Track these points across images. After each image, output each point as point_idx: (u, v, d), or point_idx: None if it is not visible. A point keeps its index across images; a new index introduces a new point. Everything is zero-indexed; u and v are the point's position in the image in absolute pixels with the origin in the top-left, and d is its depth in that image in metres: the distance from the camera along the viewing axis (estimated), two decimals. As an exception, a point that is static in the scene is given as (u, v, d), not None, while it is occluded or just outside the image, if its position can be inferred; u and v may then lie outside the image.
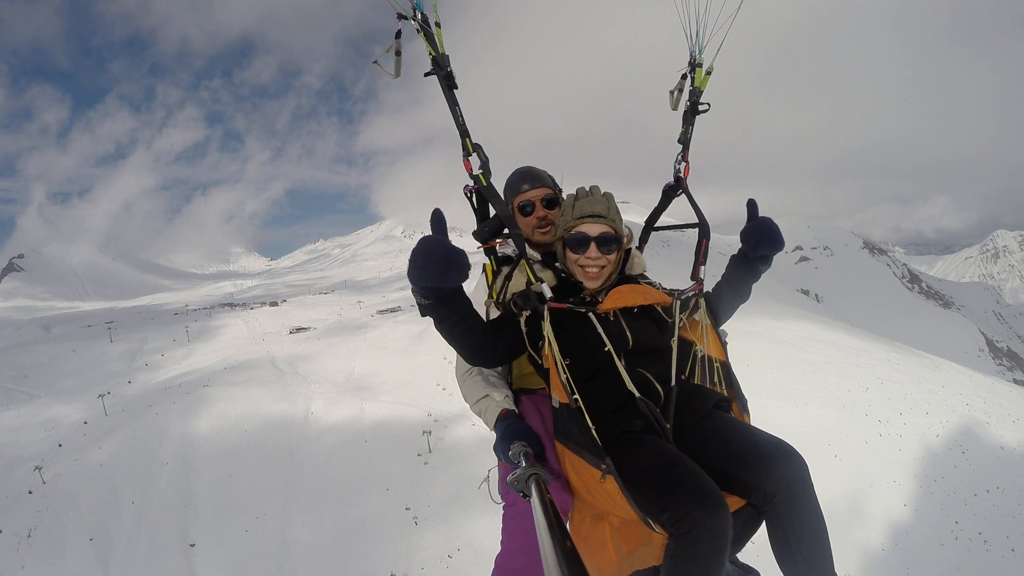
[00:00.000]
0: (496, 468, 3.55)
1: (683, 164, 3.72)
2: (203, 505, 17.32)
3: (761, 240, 3.34)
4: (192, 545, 15.86)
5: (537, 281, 3.06)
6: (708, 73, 3.74)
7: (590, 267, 3.15)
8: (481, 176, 3.21)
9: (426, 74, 3.06)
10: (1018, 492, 22.47)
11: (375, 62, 3.12)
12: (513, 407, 3.23)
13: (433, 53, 3.02)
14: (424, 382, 25.70)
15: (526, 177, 3.79)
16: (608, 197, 3.33)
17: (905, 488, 21.95)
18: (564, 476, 2.83)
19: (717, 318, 3.41)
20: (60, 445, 21.03)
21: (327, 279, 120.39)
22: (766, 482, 2.44)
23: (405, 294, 51.80)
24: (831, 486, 21.04)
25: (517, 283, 3.27)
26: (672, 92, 3.78)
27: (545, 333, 2.88)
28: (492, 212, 3.43)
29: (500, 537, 3.28)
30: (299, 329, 35.32)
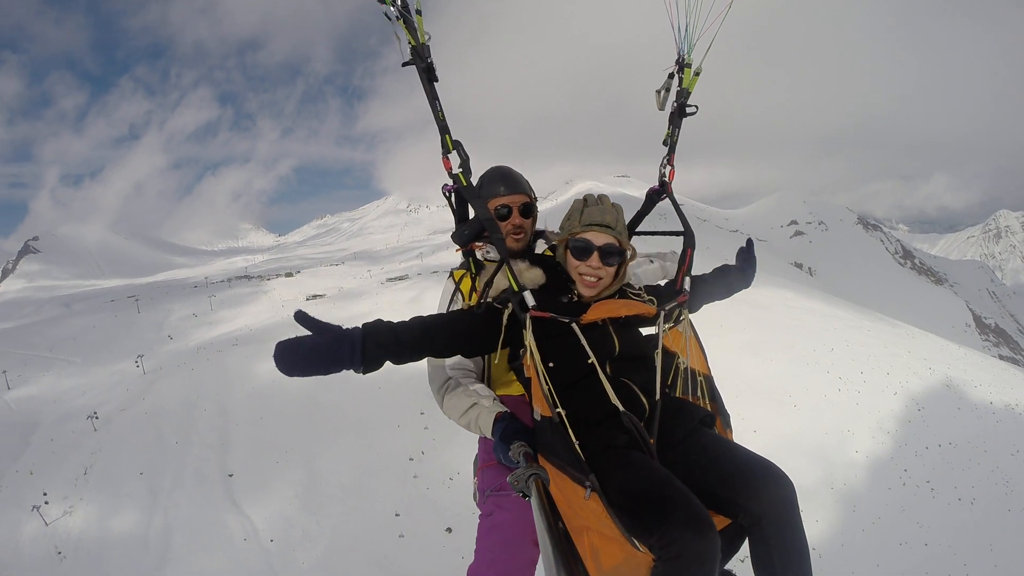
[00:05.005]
0: (475, 477, 3.76)
1: (668, 168, 3.75)
2: (238, 443, 18.91)
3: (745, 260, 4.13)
4: (230, 475, 17.39)
5: (519, 288, 2.99)
6: (697, 74, 3.63)
7: (589, 276, 3.17)
8: (461, 175, 3.18)
9: (404, 64, 2.97)
10: (970, 448, 23.23)
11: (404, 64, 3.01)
12: (505, 408, 3.22)
13: (413, 43, 2.92)
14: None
15: (504, 179, 3.75)
16: (618, 209, 3.31)
17: (857, 437, 22.81)
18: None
19: (692, 305, 3.51)
20: (105, 401, 22.26)
21: (339, 252, 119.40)
22: (755, 504, 2.49)
23: (411, 264, 51.98)
24: (786, 430, 22.38)
25: (498, 288, 3.17)
26: (659, 91, 3.72)
27: (527, 343, 2.87)
28: (472, 214, 3.33)
29: (474, 547, 3.45)
30: (315, 296, 36.30)
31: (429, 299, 28.53)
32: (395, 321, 2.86)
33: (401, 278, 40.32)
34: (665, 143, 3.75)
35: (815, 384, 25.73)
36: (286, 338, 2.58)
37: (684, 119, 3.72)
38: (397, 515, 15.98)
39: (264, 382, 22.68)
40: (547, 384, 2.73)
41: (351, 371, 2.67)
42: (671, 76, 3.67)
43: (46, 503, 17.08)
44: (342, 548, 15.23)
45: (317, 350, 2.51)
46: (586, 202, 3.24)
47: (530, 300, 2.95)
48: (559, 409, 2.67)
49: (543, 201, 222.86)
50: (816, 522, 19.37)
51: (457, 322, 3.01)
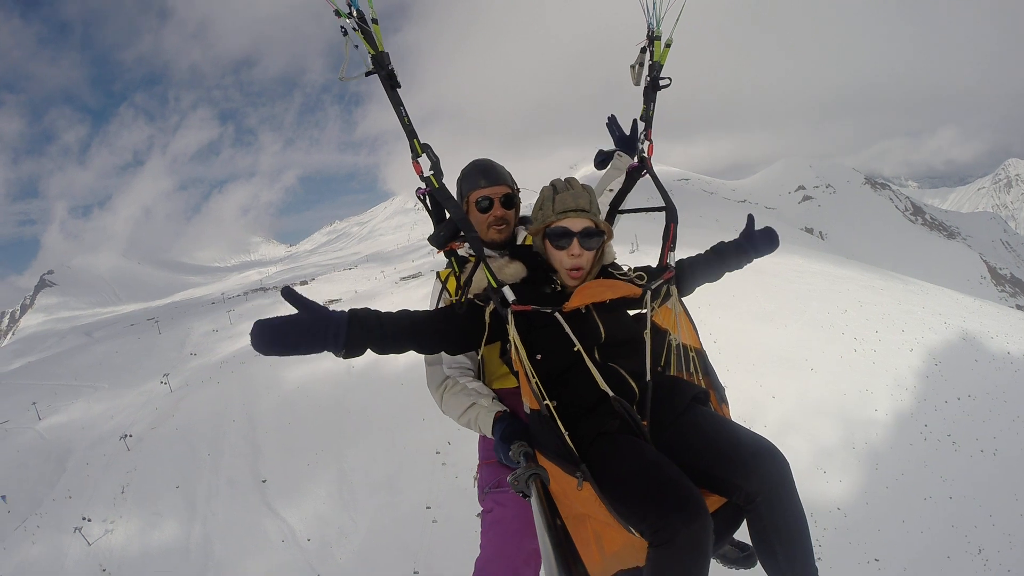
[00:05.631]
0: (477, 475, 3.69)
1: (647, 143, 3.65)
2: (269, 450, 19.33)
3: (771, 243, 3.65)
4: (264, 481, 17.88)
5: (498, 285, 2.93)
6: (668, 46, 3.54)
7: (572, 264, 3.08)
8: (432, 178, 3.09)
9: (367, 74, 2.95)
10: (989, 400, 23.00)
11: (341, 78, 2.99)
12: (505, 408, 3.16)
13: (372, 52, 2.89)
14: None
15: (484, 172, 3.69)
16: (588, 190, 3.24)
17: (876, 396, 22.65)
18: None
19: (682, 289, 3.39)
20: (135, 421, 22.82)
21: (351, 256, 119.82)
22: (748, 483, 2.44)
23: (424, 261, 52.20)
24: (806, 395, 22.41)
25: (477, 286, 3.09)
26: (633, 66, 3.64)
27: (511, 338, 2.80)
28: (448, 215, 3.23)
29: (480, 541, 3.41)
30: (331, 301, 36.27)
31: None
32: (383, 311, 2.76)
33: (415, 276, 40.41)
34: (642, 118, 3.67)
35: (831, 346, 25.60)
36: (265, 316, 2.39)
37: (658, 92, 3.66)
38: (428, 508, 16.39)
39: (290, 389, 23.07)
40: (533, 377, 2.68)
41: (332, 354, 2.51)
42: (643, 51, 3.58)
43: (88, 522, 17.66)
44: (377, 541, 15.70)
45: (300, 326, 2.36)
46: (555, 188, 3.22)
47: (510, 295, 2.89)
48: (546, 401, 2.62)
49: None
50: (840, 482, 19.59)
51: (440, 320, 2.93)
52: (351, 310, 2.57)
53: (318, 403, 21.57)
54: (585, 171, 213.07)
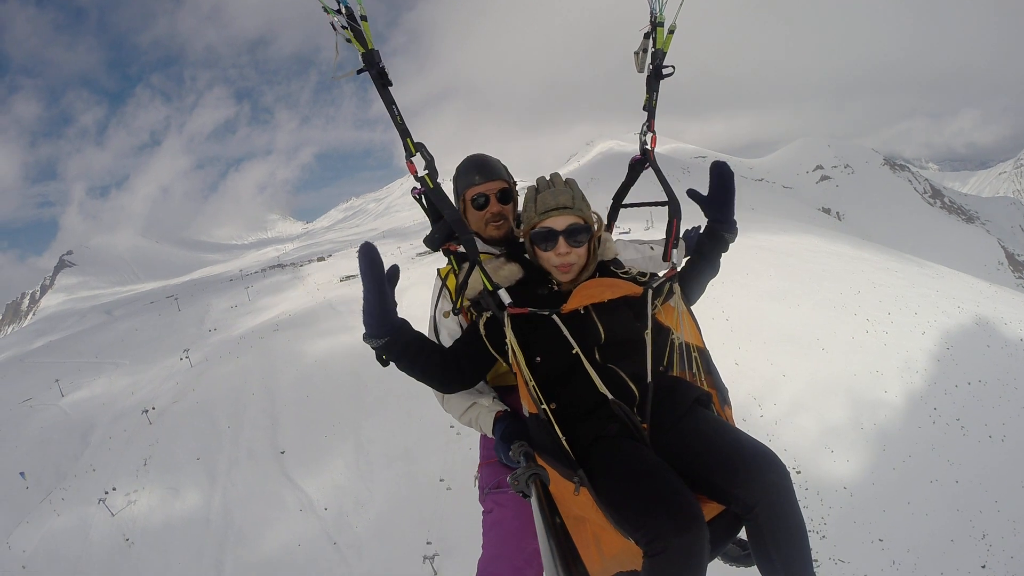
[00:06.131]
0: (478, 475, 3.66)
1: (649, 134, 3.53)
2: (287, 422, 19.76)
3: (724, 204, 3.32)
4: (282, 452, 18.28)
5: (493, 287, 2.94)
6: (671, 32, 3.40)
7: (560, 262, 3.06)
8: (427, 178, 3.06)
9: (358, 71, 2.89)
10: (1000, 386, 22.91)
11: (333, 77, 2.92)
12: (506, 407, 3.15)
13: (362, 50, 2.84)
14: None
15: (479, 168, 3.66)
16: (571, 185, 3.20)
17: (886, 377, 22.66)
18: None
19: (689, 298, 3.30)
20: (157, 395, 23.25)
21: (368, 232, 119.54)
22: (748, 493, 2.41)
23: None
24: (816, 374, 22.52)
25: (473, 288, 3.09)
26: (636, 53, 3.49)
27: (508, 341, 2.79)
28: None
29: (481, 541, 3.41)
30: (348, 277, 36.97)
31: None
32: (428, 342, 2.90)
33: (430, 252, 40.93)
34: (644, 108, 3.49)
35: (843, 327, 25.60)
36: (374, 253, 2.53)
37: (667, 80, 3.48)
38: (441, 480, 16.78)
39: (308, 363, 23.49)
40: (531, 381, 2.68)
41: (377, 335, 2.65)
42: (646, 36, 3.42)
43: (113, 490, 18.17)
44: (392, 511, 16.13)
45: (365, 305, 2.56)
46: (537, 188, 3.19)
47: (506, 298, 2.91)
48: (544, 406, 2.62)
49: (566, 164, 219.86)
50: (847, 462, 19.73)
51: (462, 358, 2.97)
52: (399, 332, 2.68)
53: (336, 377, 21.96)
54: (602, 147, 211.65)
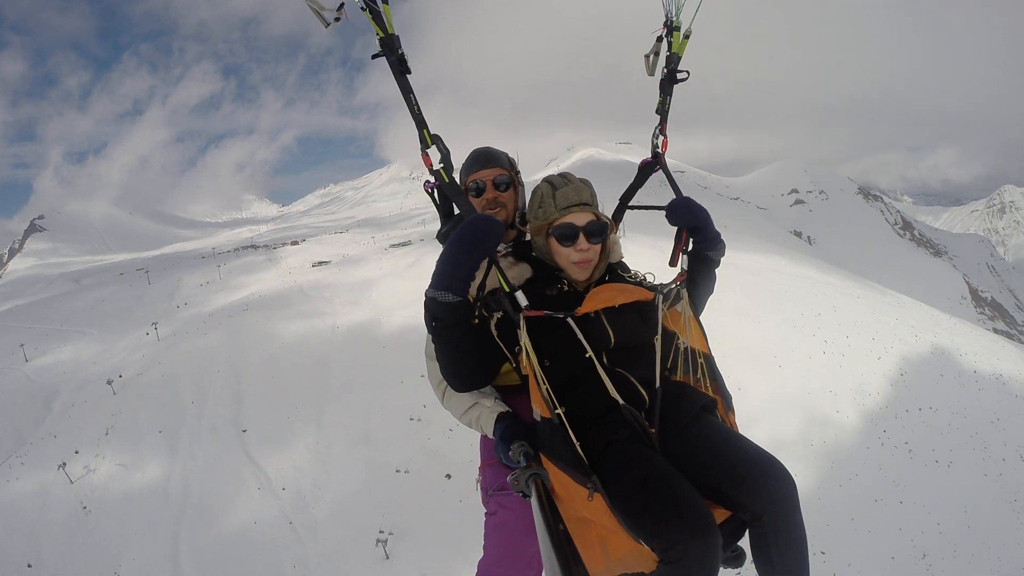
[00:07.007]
0: (480, 476, 3.70)
1: (661, 138, 3.53)
2: (251, 401, 19.78)
3: (695, 230, 3.26)
4: (244, 431, 18.26)
5: (509, 288, 2.85)
6: (686, 37, 3.40)
7: (579, 259, 3.05)
8: (443, 171, 2.97)
9: (374, 56, 2.76)
10: (950, 414, 23.57)
11: (336, 19, 2.72)
12: (507, 408, 3.13)
13: (381, 34, 2.71)
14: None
15: (480, 158, 3.66)
16: (587, 184, 3.20)
17: (840, 397, 23.22)
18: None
19: (695, 311, 3.33)
20: (123, 367, 23.00)
21: (343, 220, 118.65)
22: (755, 501, 2.46)
23: (415, 230, 51.57)
24: (771, 389, 22.94)
25: (488, 288, 2.98)
26: (647, 56, 3.49)
27: (523, 343, 2.73)
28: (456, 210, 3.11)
29: (483, 543, 3.48)
30: (320, 263, 36.59)
31: (428, 263, 29.57)
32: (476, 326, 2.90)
33: (404, 244, 40.45)
34: (657, 112, 3.51)
35: (801, 346, 26.10)
36: (500, 230, 2.62)
37: (675, 86, 3.53)
38: (398, 471, 17.07)
39: (276, 345, 23.54)
40: (544, 384, 2.65)
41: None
42: (659, 40, 3.45)
43: (74, 455, 18.18)
44: (350, 495, 16.34)
45: (461, 260, 2.58)
46: (553, 185, 3.16)
47: (522, 300, 2.83)
48: (558, 410, 2.59)
49: (546, 167, 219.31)
50: (795, 475, 19.64)
51: (484, 353, 2.95)
52: (466, 300, 2.66)
53: (303, 360, 22.10)
54: (583, 153, 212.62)
